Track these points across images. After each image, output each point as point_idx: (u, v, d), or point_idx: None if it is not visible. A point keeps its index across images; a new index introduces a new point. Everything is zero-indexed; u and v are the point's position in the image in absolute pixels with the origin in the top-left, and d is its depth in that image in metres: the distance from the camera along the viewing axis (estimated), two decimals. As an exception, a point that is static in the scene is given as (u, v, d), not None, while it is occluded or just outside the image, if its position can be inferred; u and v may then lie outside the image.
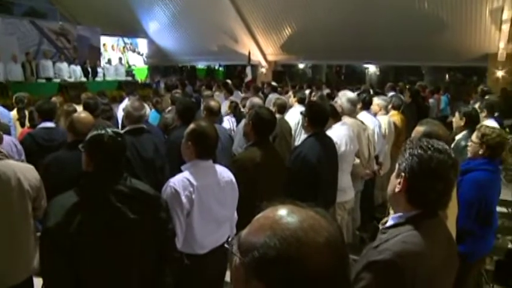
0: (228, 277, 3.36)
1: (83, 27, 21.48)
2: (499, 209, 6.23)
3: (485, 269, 4.51)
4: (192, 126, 3.17)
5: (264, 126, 3.89)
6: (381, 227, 2.01)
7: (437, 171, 1.86)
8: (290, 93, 10.83)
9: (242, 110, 7.51)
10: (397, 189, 1.92)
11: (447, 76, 27.61)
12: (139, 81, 22.00)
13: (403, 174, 1.90)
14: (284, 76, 22.95)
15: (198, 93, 11.76)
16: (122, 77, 20.48)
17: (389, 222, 1.96)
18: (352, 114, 5.39)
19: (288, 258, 1.03)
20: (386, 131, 6.42)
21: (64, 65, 17.87)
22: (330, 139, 4.43)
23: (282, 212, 1.11)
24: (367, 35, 17.10)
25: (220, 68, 31.00)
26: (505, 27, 15.53)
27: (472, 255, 3.56)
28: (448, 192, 1.92)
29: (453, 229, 3.30)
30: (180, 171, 3.07)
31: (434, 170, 1.86)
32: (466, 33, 16.47)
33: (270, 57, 22.03)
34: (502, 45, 16.16)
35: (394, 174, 1.99)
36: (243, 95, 10.80)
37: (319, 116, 4.29)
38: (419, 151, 1.89)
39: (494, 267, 4.44)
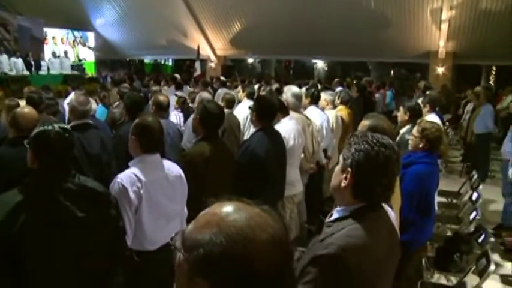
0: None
1: (24, 17, 20.44)
2: (439, 199, 6.53)
3: (427, 256, 4.69)
4: (136, 120, 3.15)
5: (212, 121, 3.90)
6: (326, 220, 2.02)
7: (383, 167, 1.88)
8: (239, 87, 10.84)
9: (190, 105, 7.47)
10: (343, 184, 1.91)
11: (392, 72, 28.39)
12: (87, 75, 21.35)
13: (349, 169, 1.90)
14: (233, 71, 22.96)
15: (147, 87, 11.59)
16: (68, 71, 19.80)
17: (334, 216, 1.97)
18: (297, 109, 5.45)
19: (234, 256, 1.02)
20: (334, 125, 6.55)
21: (4, 57, 17.12)
22: (278, 133, 4.48)
23: (229, 208, 1.10)
24: (315, 31, 17.36)
25: (167, 63, 30.53)
26: (444, 27, 16.22)
27: (414, 243, 3.70)
28: (392, 186, 1.95)
29: (397, 220, 3.44)
30: (128, 167, 3.04)
31: (381, 166, 1.88)
32: (410, 31, 17.04)
33: (220, 52, 21.97)
34: (442, 43, 16.85)
35: (338, 168, 1.99)
36: (191, 89, 10.73)
37: (268, 111, 4.33)
38: (365, 146, 1.89)
39: (435, 253, 4.63)
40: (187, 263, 1.06)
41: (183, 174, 3.28)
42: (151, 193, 3.00)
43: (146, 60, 29.12)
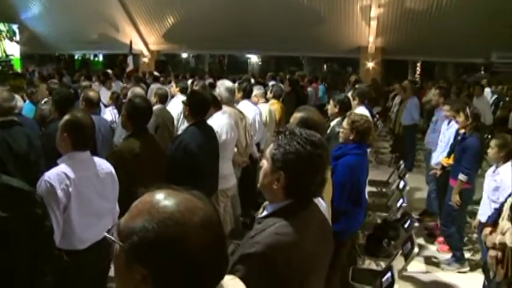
0: (112, 272, 3.29)
1: None
2: (370, 188, 6.78)
3: (358, 243, 4.88)
4: (66, 117, 3.06)
5: (140, 116, 3.86)
6: (256, 216, 2.02)
7: (316, 166, 1.87)
8: (173, 83, 10.75)
9: (124, 100, 7.32)
10: (275, 186, 1.87)
11: (325, 66, 29.12)
12: (12, 71, 20.24)
13: (281, 172, 1.85)
14: (167, 66, 22.63)
15: (77, 83, 11.21)
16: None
17: (264, 212, 1.95)
18: (231, 103, 5.49)
19: (167, 240, 1.06)
20: (267, 119, 6.64)
21: None
22: (210, 128, 4.49)
23: (159, 196, 1.13)
24: (249, 26, 17.47)
25: (97, 59, 29.56)
26: (373, 24, 16.85)
27: (346, 232, 3.83)
28: (324, 181, 1.96)
29: (329, 210, 3.54)
30: (57, 164, 2.95)
31: (314, 165, 1.86)
32: (341, 27, 17.54)
33: (153, 47, 21.59)
34: (371, 39, 17.50)
35: (267, 167, 1.92)
36: (124, 85, 10.51)
37: (200, 105, 4.34)
38: (296, 146, 1.84)
39: (365, 241, 4.83)
40: (123, 252, 1.10)
41: (113, 171, 3.21)
42: (81, 191, 2.92)
43: (76, 56, 28.12)
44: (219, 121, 4.75)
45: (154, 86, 9.11)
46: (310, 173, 1.86)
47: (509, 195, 3.51)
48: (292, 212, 1.86)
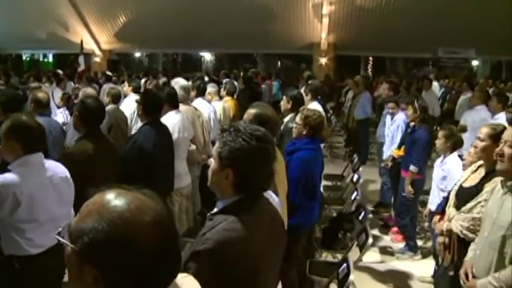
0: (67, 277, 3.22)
1: None
2: (325, 182, 6.89)
3: (315, 237, 4.97)
4: (8, 122, 2.92)
5: (92, 117, 3.79)
6: (208, 213, 2.02)
7: (263, 160, 1.89)
8: (126, 82, 10.59)
9: (76, 101, 7.15)
10: (224, 184, 1.89)
11: (279, 63, 29.33)
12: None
13: (229, 169, 1.87)
14: (120, 65, 22.24)
15: (25, 84, 10.86)
16: None
17: (215, 209, 1.96)
18: (186, 101, 5.48)
19: (117, 239, 1.07)
20: (222, 116, 6.67)
21: None
22: (165, 127, 4.47)
23: (109, 196, 1.14)
24: (202, 24, 17.34)
25: (47, 59, 28.67)
26: (326, 20, 17.10)
27: (302, 226, 3.90)
28: (272, 174, 1.98)
29: (284, 205, 3.59)
30: (8, 170, 2.85)
31: (261, 160, 1.88)
32: (294, 24, 17.71)
33: (104, 46, 21.13)
34: (323, 35, 17.78)
35: (214, 166, 1.94)
36: (75, 85, 10.27)
37: (154, 104, 4.32)
38: (242, 143, 1.85)
39: (322, 234, 4.92)
40: (74, 254, 1.10)
41: (69, 175, 3.14)
42: (35, 196, 2.83)
43: (24, 56, 27.20)
44: (171, 120, 4.72)
45: (107, 86, 8.95)
46: (258, 167, 1.88)
47: (455, 184, 3.65)
48: (242, 208, 1.87)
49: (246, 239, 1.80)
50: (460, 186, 3.46)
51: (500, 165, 2.67)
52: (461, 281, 2.86)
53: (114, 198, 1.13)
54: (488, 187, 3.05)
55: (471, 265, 2.84)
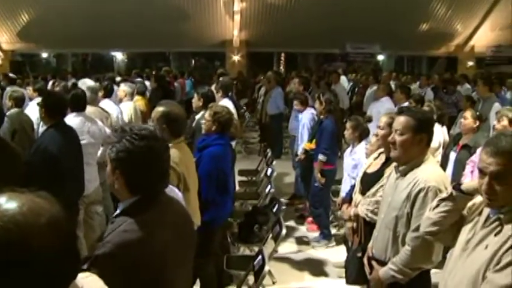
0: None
1: None
2: (240, 178, 6.98)
3: (232, 232, 5.01)
4: None
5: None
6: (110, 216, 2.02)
7: (150, 159, 1.87)
8: (31, 85, 10.06)
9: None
10: (117, 186, 1.89)
11: (193, 61, 29.18)
12: None
13: (117, 171, 1.86)
14: (24, 67, 21.04)
15: None
16: None
17: (117, 211, 1.95)
18: (94, 102, 5.37)
19: (10, 243, 1.04)
20: (133, 116, 6.55)
21: None
22: (71, 129, 4.31)
23: (0, 200, 1.11)
24: (112, 23, 16.83)
25: None
26: (237, 17, 17.26)
27: (216, 221, 3.93)
28: (166, 172, 1.97)
29: (196, 201, 3.59)
30: None
31: (147, 159, 1.86)
32: (205, 21, 17.70)
33: (6, 46, 19.79)
34: (236, 32, 17.95)
35: (108, 168, 1.93)
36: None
37: (57, 106, 4.16)
38: (126, 144, 1.83)
39: (238, 229, 4.96)
40: None
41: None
42: None
43: None
44: (70, 123, 4.53)
45: (10, 89, 8.46)
46: (145, 167, 1.86)
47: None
48: (141, 209, 1.86)
49: (146, 240, 1.79)
50: (364, 172, 3.65)
51: (393, 152, 2.86)
52: (366, 270, 3.02)
53: (6, 202, 1.10)
54: (387, 172, 3.24)
55: (371, 248, 3.02)
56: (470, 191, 2.12)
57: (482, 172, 1.93)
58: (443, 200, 2.19)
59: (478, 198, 2.12)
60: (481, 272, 1.87)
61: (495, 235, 1.90)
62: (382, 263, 2.85)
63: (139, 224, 1.81)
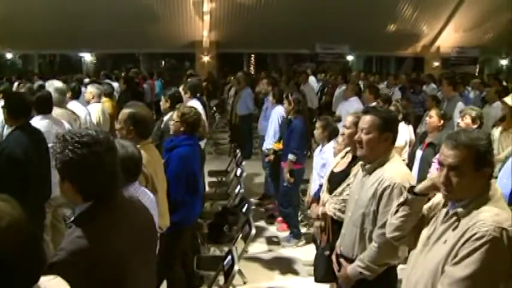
0: None
1: None
2: (210, 179, 6.99)
3: (202, 233, 5.01)
4: None
5: None
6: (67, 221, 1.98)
7: (96, 165, 1.82)
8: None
9: None
10: (69, 194, 1.86)
11: (163, 62, 28.96)
12: None
13: (67, 181, 1.84)
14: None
15: None
16: None
17: (73, 216, 1.91)
18: (61, 104, 5.29)
19: None
20: (101, 118, 6.48)
21: None
22: (37, 130, 4.24)
23: None
24: (80, 23, 16.42)
25: None
26: (207, 18, 17.21)
27: (185, 221, 3.92)
28: (116, 174, 1.93)
29: (164, 203, 3.58)
30: None
31: (93, 165, 1.82)
32: (175, 22, 17.58)
33: (-34, 47, 19.30)
34: (205, 33, 17.89)
35: (58, 177, 1.89)
36: None
37: (20, 108, 4.09)
38: (68, 154, 1.78)
39: (208, 229, 4.96)
40: None
41: None
42: None
43: None
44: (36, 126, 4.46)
45: (-29, 92, 8.23)
46: (93, 174, 1.83)
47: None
48: (96, 214, 1.84)
49: (102, 245, 1.77)
50: (332, 171, 3.70)
51: (359, 151, 2.92)
52: (334, 267, 3.07)
53: None
54: (354, 170, 3.30)
55: (339, 246, 3.08)
56: (423, 191, 2.21)
57: (441, 164, 2.01)
58: (401, 204, 2.26)
59: (438, 197, 2.19)
60: (440, 265, 1.94)
61: (453, 230, 1.98)
62: (350, 260, 2.90)
63: (94, 228, 1.79)
